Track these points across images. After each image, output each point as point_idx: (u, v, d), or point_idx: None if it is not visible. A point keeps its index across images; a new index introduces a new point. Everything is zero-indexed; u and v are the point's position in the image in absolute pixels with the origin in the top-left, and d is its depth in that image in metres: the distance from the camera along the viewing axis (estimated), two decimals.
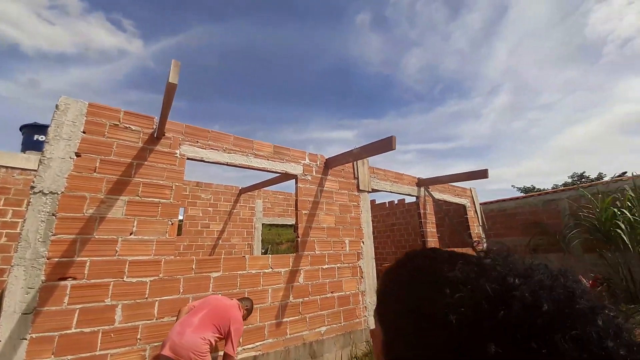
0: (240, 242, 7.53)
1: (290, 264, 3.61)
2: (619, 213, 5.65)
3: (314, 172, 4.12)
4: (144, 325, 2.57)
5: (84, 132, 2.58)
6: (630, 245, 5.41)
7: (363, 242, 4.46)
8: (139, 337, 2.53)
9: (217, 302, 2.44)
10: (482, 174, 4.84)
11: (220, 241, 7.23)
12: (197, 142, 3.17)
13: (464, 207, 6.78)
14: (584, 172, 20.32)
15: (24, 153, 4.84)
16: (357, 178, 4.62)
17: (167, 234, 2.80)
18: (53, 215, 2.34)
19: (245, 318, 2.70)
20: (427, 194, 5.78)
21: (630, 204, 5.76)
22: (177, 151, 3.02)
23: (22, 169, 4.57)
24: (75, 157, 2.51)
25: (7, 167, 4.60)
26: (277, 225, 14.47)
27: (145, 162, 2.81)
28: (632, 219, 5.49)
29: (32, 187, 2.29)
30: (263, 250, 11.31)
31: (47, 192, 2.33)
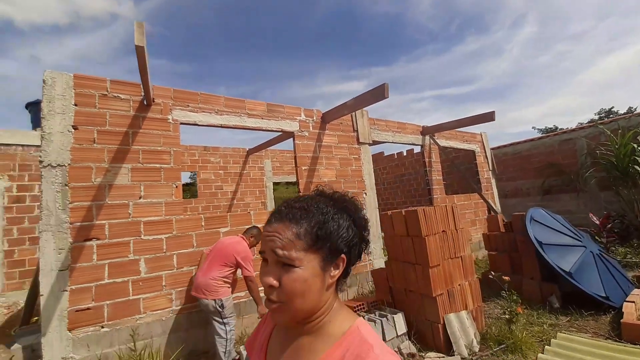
0: (254, 201, 7.90)
1: None
2: (638, 148, 5.33)
3: (310, 127, 4.09)
4: (167, 274, 2.92)
5: (75, 105, 2.65)
6: None
7: (366, 194, 4.56)
8: (164, 284, 2.90)
9: (221, 244, 2.76)
10: (489, 117, 4.61)
11: (235, 201, 7.60)
12: (188, 106, 3.18)
13: (473, 152, 6.61)
14: (612, 108, 18.78)
15: (35, 130, 5.06)
16: (357, 131, 4.55)
17: (174, 196, 3.01)
18: (66, 185, 2.56)
19: (253, 245, 2.92)
20: (432, 142, 5.65)
21: None
22: (169, 116, 3.06)
23: (37, 146, 4.84)
24: (73, 130, 2.63)
25: (23, 146, 4.88)
26: (293, 183, 14.88)
27: (140, 130, 2.90)
28: None
29: (41, 162, 2.47)
30: None
31: (55, 165, 2.51)
